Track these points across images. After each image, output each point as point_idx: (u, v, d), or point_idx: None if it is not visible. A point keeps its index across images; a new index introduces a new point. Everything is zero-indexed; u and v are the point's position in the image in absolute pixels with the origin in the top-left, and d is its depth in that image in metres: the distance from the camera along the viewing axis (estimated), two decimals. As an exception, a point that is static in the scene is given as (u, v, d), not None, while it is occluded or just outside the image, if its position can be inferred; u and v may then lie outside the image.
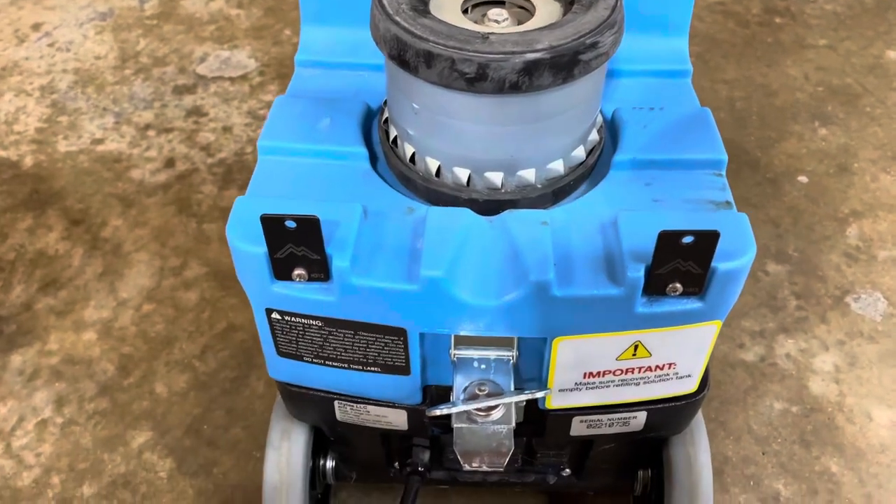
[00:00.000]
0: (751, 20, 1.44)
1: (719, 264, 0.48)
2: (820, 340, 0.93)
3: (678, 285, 0.48)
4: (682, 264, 0.47)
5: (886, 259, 1.02)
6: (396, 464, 0.69)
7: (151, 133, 1.23)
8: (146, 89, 1.31)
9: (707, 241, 0.45)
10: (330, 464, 0.71)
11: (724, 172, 0.56)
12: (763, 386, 0.89)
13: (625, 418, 0.59)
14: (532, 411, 0.58)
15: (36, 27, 1.45)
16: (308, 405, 0.61)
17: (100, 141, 1.22)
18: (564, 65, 0.47)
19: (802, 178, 1.13)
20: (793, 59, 1.35)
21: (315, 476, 0.70)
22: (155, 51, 1.39)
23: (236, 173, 1.15)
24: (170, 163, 1.18)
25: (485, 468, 0.52)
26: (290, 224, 0.46)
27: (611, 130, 0.60)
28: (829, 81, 1.30)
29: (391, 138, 0.57)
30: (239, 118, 1.25)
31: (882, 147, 1.18)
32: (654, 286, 0.48)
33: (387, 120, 0.57)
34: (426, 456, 0.65)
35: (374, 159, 0.58)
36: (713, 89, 1.27)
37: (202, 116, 1.26)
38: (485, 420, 0.51)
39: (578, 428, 0.60)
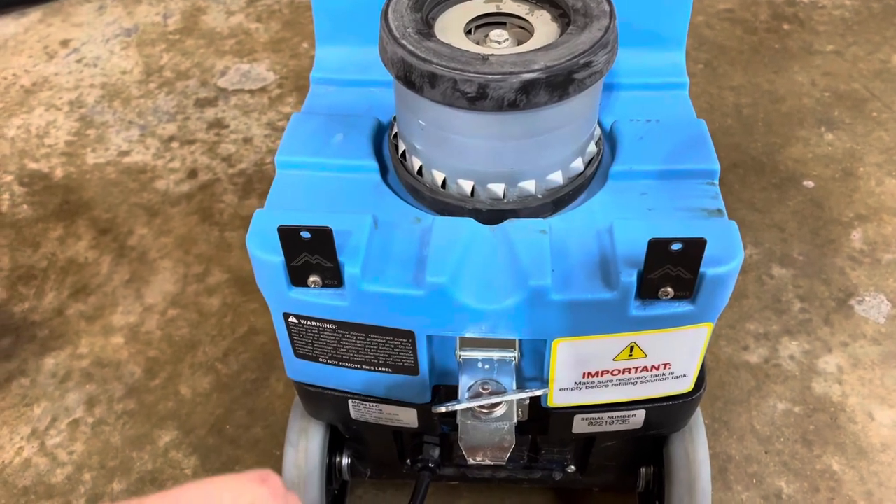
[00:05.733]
0: (759, 27, 1.46)
1: (708, 269, 0.50)
2: (823, 342, 0.95)
3: (669, 289, 0.51)
4: (672, 270, 0.50)
5: (890, 262, 1.04)
6: (408, 460, 0.72)
7: (175, 145, 1.27)
8: (170, 102, 1.36)
9: (695, 248, 0.48)
10: (345, 461, 0.75)
11: (717, 182, 0.59)
12: (766, 387, 0.91)
13: (624, 416, 0.62)
14: (536, 409, 0.62)
15: (64, 44, 1.51)
16: (324, 404, 0.64)
17: (126, 153, 1.27)
18: (559, 84, 0.50)
19: (808, 183, 1.15)
20: (800, 65, 1.37)
21: (331, 472, 0.74)
22: (178, 65, 1.44)
23: (256, 183, 1.20)
24: (192, 173, 1.22)
25: (488, 461, 0.55)
26: (305, 234, 0.49)
27: (610, 141, 0.63)
28: (836, 87, 1.32)
29: (400, 152, 0.60)
30: (258, 130, 1.30)
31: (888, 151, 1.20)
32: (647, 290, 0.51)
33: (396, 135, 0.61)
34: (436, 452, 0.68)
35: (384, 171, 0.62)
36: (720, 96, 1.29)
37: (223, 128, 1.30)
38: (488, 417, 0.54)
39: (580, 426, 0.63)
